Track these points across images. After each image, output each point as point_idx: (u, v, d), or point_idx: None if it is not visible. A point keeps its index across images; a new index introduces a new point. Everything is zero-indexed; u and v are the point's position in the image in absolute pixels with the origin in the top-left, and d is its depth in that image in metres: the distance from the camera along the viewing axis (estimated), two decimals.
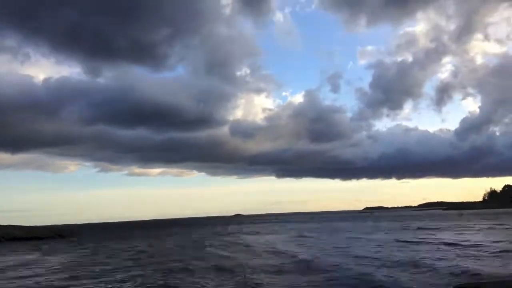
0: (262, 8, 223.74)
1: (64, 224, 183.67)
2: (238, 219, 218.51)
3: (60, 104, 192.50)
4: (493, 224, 51.96)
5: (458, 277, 15.81)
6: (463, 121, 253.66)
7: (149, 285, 17.18)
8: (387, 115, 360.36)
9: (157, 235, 63.98)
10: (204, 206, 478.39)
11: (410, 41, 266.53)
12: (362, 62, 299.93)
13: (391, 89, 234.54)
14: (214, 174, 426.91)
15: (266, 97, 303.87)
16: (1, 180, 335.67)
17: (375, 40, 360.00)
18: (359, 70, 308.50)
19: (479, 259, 20.48)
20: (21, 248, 43.67)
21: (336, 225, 72.91)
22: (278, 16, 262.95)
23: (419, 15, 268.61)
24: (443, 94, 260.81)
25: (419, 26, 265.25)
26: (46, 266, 25.64)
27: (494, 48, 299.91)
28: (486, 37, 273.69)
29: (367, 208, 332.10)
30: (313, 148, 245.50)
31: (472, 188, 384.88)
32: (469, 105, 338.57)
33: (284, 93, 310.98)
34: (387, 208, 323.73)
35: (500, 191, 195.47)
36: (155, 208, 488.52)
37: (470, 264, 18.67)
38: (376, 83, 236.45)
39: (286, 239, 43.30)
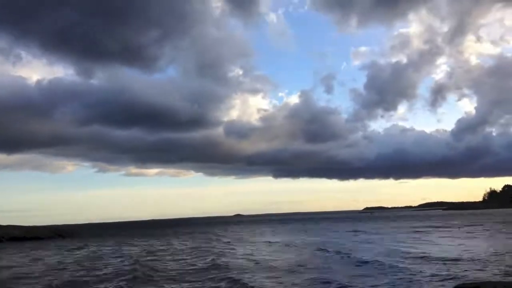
0: (251, 9, 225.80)
1: (64, 224, 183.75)
2: (238, 219, 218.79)
3: (54, 105, 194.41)
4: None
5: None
6: (459, 121, 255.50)
7: None
8: (382, 116, 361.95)
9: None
10: (204, 206, 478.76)
11: (404, 42, 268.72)
12: (356, 63, 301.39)
13: (386, 90, 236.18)
14: (211, 174, 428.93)
15: (262, 98, 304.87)
16: None
17: (368, 41, 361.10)
18: (352, 71, 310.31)
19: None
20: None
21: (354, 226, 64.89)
22: (272, 17, 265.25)
23: (411, 16, 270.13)
24: (439, 94, 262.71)
25: (413, 27, 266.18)
26: None
27: (488, 49, 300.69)
28: (480, 38, 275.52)
29: (367, 208, 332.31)
30: (309, 149, 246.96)
31: (471, 188, 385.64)
32: (465, 106, 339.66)
33: (280, 94, 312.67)
34: (387, 208, 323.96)
35: (500, 191, 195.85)
36: (155, 208, 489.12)
37: None
38: (371, 84, 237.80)
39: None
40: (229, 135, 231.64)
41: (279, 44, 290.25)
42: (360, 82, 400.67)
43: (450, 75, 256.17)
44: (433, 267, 18.41)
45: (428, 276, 16.17)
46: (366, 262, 20.72)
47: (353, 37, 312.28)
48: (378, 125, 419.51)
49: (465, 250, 24.12)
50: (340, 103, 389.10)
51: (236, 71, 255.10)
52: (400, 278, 16.02)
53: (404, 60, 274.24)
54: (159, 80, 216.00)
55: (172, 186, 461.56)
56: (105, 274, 20.61)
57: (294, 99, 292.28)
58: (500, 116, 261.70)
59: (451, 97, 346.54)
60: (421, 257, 21.54)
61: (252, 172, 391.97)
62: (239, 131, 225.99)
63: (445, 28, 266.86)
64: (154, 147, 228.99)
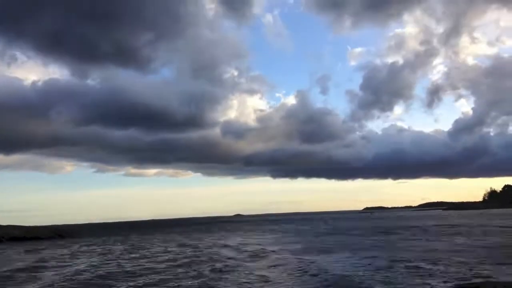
0: (245, 10, 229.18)
1: (64, 224, 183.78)
2: (240, 218, 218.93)
3: (50, 106, 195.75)
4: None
5: None
6: (457, 122, 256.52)
7: None
8: (378, 117, 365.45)
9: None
10: (204, 206, 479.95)
11: (400, 43, 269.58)
12: (352, 63, 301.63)
13: (382, 91, 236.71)
14: (210, 174, 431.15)
15: (259, 98, 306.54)
16: None
17: (364, 42, 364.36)
18: (349, 72, 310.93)
19: None
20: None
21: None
22: (268, 18, 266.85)
23: (407, 17, 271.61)
24: (435, 95, 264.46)
25: (409, 28, 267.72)
26: None
27: (485, 50, 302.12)
28: (477, 39, 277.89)
29: (367, 208, 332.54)
30: (306, 149, 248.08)
31: (469, 188, 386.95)
32: (462, 106, 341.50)
33: (277, 95, 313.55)
34: (387, 208, 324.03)
35: (500, 191, 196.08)
36: (155, 208, 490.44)
37: None
38: (367, 85, 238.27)
39: None
40: (226, 136, 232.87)
41: (275, 45, 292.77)
42: (356, 82, 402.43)
43: (446, 75, 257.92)
44: None
45: None
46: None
47: (349, 38, 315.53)
48: (375, 125, 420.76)
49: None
50: (337, 104, 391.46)
51: (232, 72, 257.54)
52: None
53: (401, 60, 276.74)
54: (154, 81, 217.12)
55: (171, 186, 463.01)
56: None
57: (291, 100, 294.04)
58: (497, 116, 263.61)
59: (448, 97, 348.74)
60: None
61: (250, 173, 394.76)
62: (236, 131, 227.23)
63: (441, 29, 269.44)
64: (151, 147, 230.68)
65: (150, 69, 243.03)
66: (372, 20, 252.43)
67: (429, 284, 14.52)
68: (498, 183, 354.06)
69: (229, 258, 24.36)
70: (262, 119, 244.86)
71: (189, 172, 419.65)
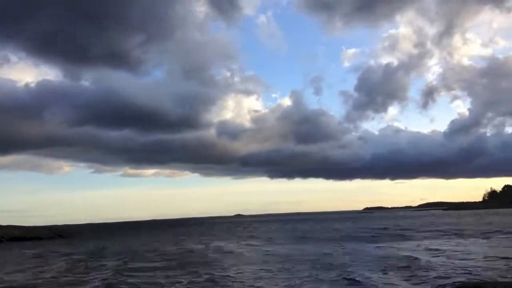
0: (234, 12, 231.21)
1: (63, 224, 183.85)
2: (240, 219, 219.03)
3: (44, 107, 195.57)
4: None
5: None
6: (453, 122, 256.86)
7: None
8: (372, 118, 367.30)
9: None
10: (204, 206, 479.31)
11: (395, 44, 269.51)
12: (346, 64, 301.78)
13: (377, 92, 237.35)
14: (207, 175, 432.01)
15: (255, 99, 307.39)
16: None
17: (358, 42, 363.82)
18: (343, 73, 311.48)
19: None
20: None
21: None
22: (261, 19, 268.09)
23: (401, 18, 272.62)
24: (431, 96, 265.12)
25: (403, 29, 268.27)
26: None
27: (479, 51, 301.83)
28: (471, 40, 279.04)
29: (366, 208, 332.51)
30: (302, 149, 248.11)
31: (468, 189, 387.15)
32: (458, 107, 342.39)
33: (273, 95, 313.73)
34: (386, 208, 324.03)
35: (500, 191, 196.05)
36: (154, 209, 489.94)
37: None
38: (362, 86, 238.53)
39: None
40: (221, 137, 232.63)
41: (269, 46, 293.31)
42: (350, 83, 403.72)
43: (441, 76, 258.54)
44: None
45: None
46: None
47: (343, 38, 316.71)
48: (370, 126, 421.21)
49: None
50: (331, 104, 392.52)
51: (224, 73, 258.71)
52: None
53: (395, 62, 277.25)
54: (147, 83, 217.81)
55: (170, 187, 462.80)
56: None
57: (286, 100, 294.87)
58: (494, 117, 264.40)
59: (444, 98, 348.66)
60: None
61: (247, 173, 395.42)
62: (232, 132, 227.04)
63: (434, 29, 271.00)
64: (146, 148, 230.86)
65: (141, 71, 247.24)
66: (364, 20, 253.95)
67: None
68: (496, 183, 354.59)
69: None
70: (258, 120, 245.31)
71: (186, 172, 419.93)
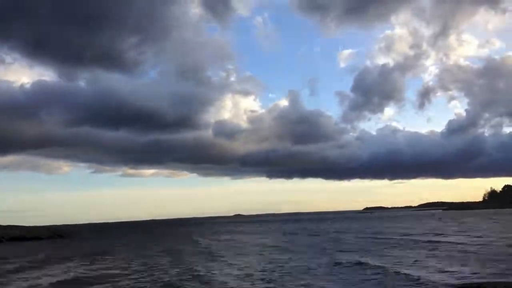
0: (227, 14, 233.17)
1: (63, 224, 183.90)
2: (241, 219, 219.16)
3: (40, 107, 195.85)
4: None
5: None
6: (450, 123, 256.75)
7: None
8: (369, 119, 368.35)
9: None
10: (204, 206, 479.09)
11: (391, 45, 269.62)
12: (342, 65, 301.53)
13: (374, 93, 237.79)
14: (206, 175, 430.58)
15: (253, 99, 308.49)
16: None
17: (354, 43, 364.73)
18: (339, 73, 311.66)
19: None
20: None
21: None
22: (258, 20, 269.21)
23: (397, 19, 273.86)
24: (428, 96, 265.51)
25: (399, 30, 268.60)
26: None
27: (475, 51, 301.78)
28: (467, 41, 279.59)
29: (366, 208, 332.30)
30: (300, 149, 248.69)
31: (466, 188, 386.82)
32: (455, 107, 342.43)
33: (270, 95, 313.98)
34: (387, 208, 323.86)
35: (500, 191, 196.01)
36: (154, 208, 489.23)
37: None
38: (359, 87, 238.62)
39: None
40: (219, 137, 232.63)
41: (266, 47, 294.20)
42: (346, 84, 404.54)
43: (438, 77, 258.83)
44: None
45: None
46: None
47: (339, 39, 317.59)
48: (367, 126, 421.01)
49: None
50: (327, 105, 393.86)
51: (221, 74, 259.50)
52: None
53: (391, 62, 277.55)
54: (143, 83, 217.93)
55: (169, 187, 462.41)
56: None
57: (283, 101, 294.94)
58: (491, 117, 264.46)
59: (441, 99, 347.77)
60: None
61: (246, 173, 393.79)
62: (229, 132, 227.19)
63: (430, 30, 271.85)
64: (144, 148, 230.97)
65: (137, 72, 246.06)
66: (357, 21, 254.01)
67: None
68: (496, 183, 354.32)
69: None
70: (255, 120, 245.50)
71: (185, 172, 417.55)
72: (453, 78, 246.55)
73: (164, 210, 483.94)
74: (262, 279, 17.35)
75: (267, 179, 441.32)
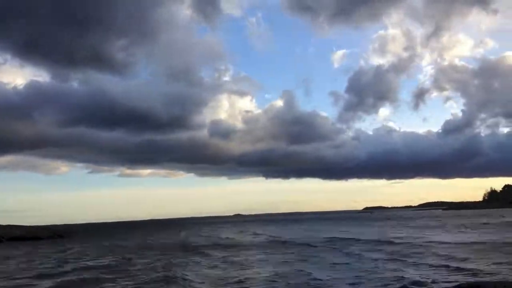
0: (216, 15, 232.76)
1: (62, 224, 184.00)
2: (242, 218, 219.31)
3: (34, 108, 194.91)
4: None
5: None
6: (446, 123, 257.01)
7: None
8: (364, 120, 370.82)
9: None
10: (202, 206, 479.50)
11: (386, 45, 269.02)
12: (336, 66, 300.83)
13: (369, 93, 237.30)
14: (203, 175, 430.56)
15: (248, 100, 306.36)
16: None
17: (348, 44, 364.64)
18: (333, 74, 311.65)
19: None
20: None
21: None
22: (251, 21, 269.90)
23: (390, 19, 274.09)
24: (421, 97, 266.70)
25: (393, 30, 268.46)
26: None
27: (471, 51, 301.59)
28: (459, 42, 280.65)
29: (366, 208, 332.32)
30: (297, 149, 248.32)
31: (465, 188, 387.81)
32: (451, 108, 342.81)
33: (266, 95, 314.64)
34: (386, 208, 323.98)
35: (500, 191, 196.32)
36: (153, 208, 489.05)
37: None
38: (353, 87, 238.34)
39: None
40: (214, 137, 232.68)
41: (260, 47, 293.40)
42: (340, 84, 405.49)
43: (433, 77, 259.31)
44: None
45: None
46: None
47: (333, 40, 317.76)
48: (364, 126, 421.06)
49: None
50: (322, 105, 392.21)
51: (215, 74, 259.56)
52: None
53: (386, 63, 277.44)
54: (135, 84, 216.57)
55: (166, 187, 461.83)
56: None
57: (279, 101, 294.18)
58: (487, 117, 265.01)
59: (437, 99, 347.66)
60: None
61: (243, 173, 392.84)
62: (225, 132, 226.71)
63: (424, 31, 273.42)
64: (139, 149, 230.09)
65: (129, 73, 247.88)
66: (348, 22, 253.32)
67: None
68: (494, 183, 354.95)
69: None
70: (251, 120, 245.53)
71: (181, 172, 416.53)
72: (449, 78, 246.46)
73: (163, 210, 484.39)
74: None
75: (264, 179, 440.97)
